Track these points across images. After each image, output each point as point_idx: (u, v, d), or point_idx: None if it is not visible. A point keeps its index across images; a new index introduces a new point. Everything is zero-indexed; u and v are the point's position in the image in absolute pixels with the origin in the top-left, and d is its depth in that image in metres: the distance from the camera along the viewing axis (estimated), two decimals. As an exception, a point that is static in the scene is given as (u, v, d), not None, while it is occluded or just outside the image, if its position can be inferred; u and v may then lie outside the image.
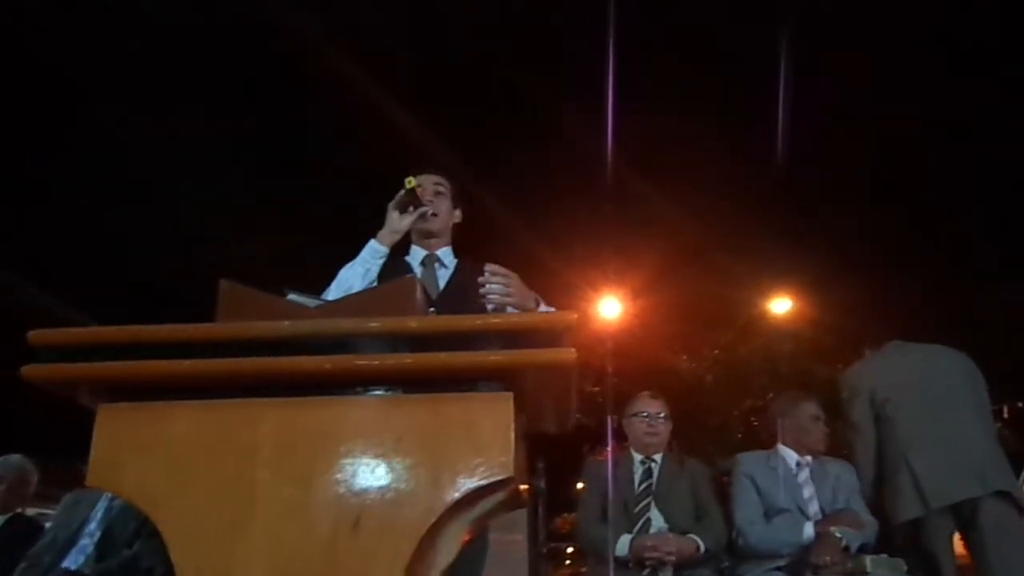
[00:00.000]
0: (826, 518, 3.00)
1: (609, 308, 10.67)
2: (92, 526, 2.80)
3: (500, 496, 1.04)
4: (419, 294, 1.17)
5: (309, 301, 1.19)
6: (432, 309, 1.68)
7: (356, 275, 2.18)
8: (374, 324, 1.01)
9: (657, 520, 3.05)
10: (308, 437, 0.99)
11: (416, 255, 2.41)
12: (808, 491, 3.11)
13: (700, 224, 11.47)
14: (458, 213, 2.50)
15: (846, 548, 2.88)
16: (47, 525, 3.25)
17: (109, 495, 2.76)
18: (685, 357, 11.27)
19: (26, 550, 2.91)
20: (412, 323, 1.03)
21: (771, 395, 4.60)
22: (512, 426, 0.99)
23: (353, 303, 1.24)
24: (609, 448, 3.47)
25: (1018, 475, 3.58)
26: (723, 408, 11.04)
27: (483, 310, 2.02)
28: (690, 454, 3.82)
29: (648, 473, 3.19)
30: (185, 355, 1.00)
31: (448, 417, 1.00)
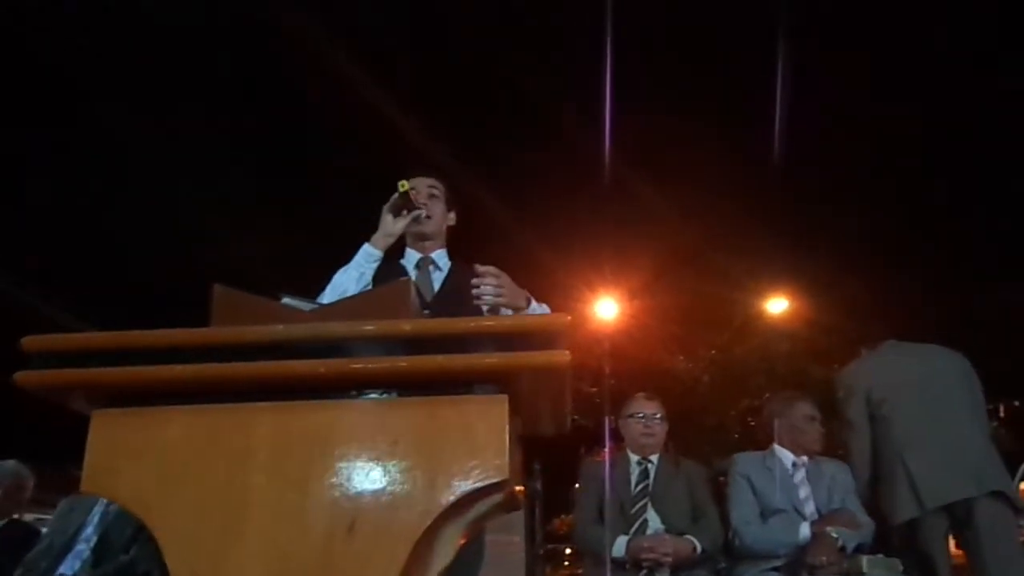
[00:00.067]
0: (822, 518, 3.01)
1: (606, 309, 10.68)
2: (88, 531, 2.79)
3: (496, 498, 1.04)
4: (413, 297, 1.17)
5: (303, 305, 1.19)
6: (426, 312, 1.68)
7: (350, 279, 2.18)
8: (368, 327, 1.01)
9: (654, 521, 3.05)
10: (303, 441, 0.99)
11: (411, 258, 2.41)
12: (804, 491, 3.11)
13: (697, 225, 11.49)
14: (452, 215, 2.50)
15: (842, 548, 2.88)
16: (43, 531, 3.24)
17: (105, 500, 2.76)
18: (682, 357, 11.29)
19: (22, 556, 2.90)
20: (406, 326, 1.03)
21: (767, 395, 4.61)
22: (507, 428, 0.99)
23: (347, 306, 1.24)
24: (606, 449, 3.46)
25: (1013, 475, 3.58)
26: (720, 408, 11.07)
27: (478, 312, 2.02)
28: (687, 454, 3.82)
29: (644, 474, 3.19)
30: (179, 360, 0.99)
31: (443, 420, 0.99)
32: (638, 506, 3.09)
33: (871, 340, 3.60)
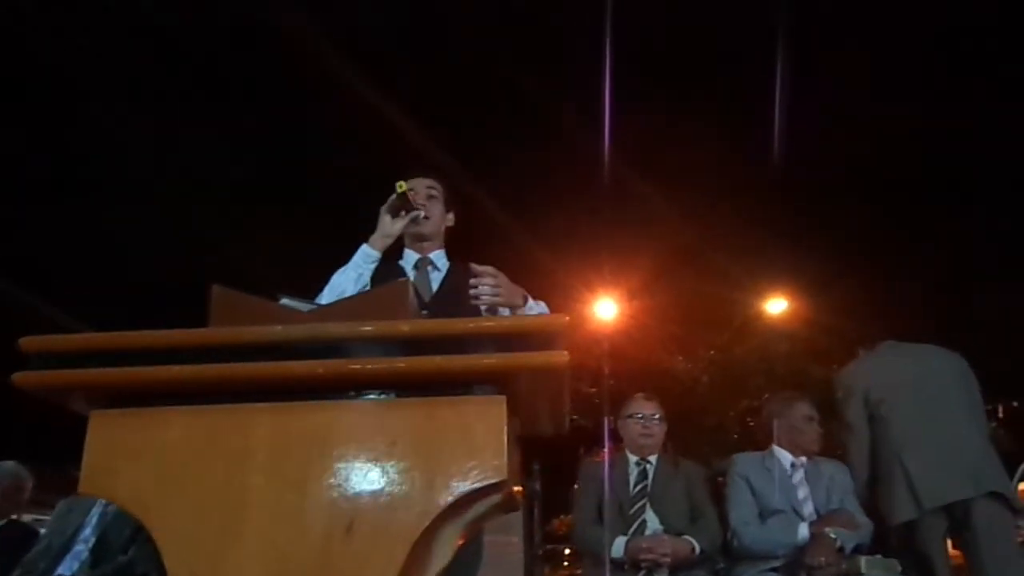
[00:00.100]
0: (821, 519, 3.01)
1: (605, 309, 10.68)
2: (87, 532, 2.78)
3: (494, 499, 1.04)
4: (411, 297, 1.17)
5: (302, 305, 1.19)
6: (425, 312, 1.68)
7: (348, 280, 2.18)
8: (367, 328, 1.02)
9: (652, 521, 3.05)
10: (301, 442, 0.99)
11: (409, 259, 2.41)
12: (803, 492, 3.11)
13: (697, 225, 11.48)
14: (451, 216, 2.50)
15: (840, 549, 2.88)
16: (42, 531, 3.24)
17: (103, 501, 2.75)
18: (681, 358, 11.26)
19: (21, 556, 2.90)
20: (405, 327, 1.03)
21: (767, 396, 4.61)
22: (505, 429, 0.99)
23: (346, 307, 1.24)
24: (605, 449, 3.46)
25: (1012, 475, 3.58)
26: (719, 409, 11.03)
27: (476, 312, 2.02)
28: (686, 455, 3.82)
29: (643, 474, 3.19)
30: (177, 361, 1.00)
31: (441, 421, 1.00)
32: (637, 506, 3.09)
33: (869, 341, 3.61)
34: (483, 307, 1.99)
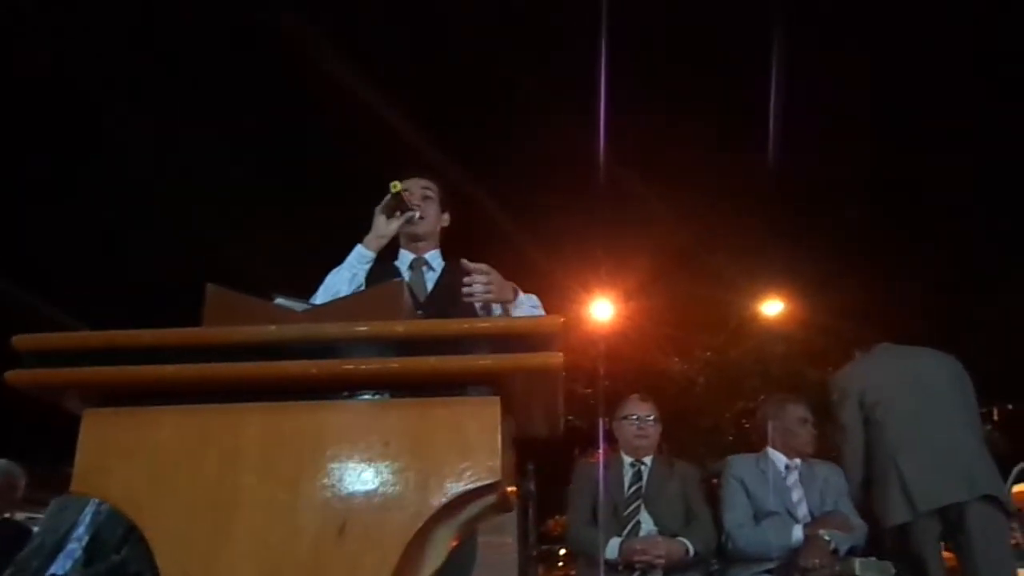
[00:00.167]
0: (815, 521, 3.01)
1: (601, 310, 10.68)
2: (80, 531, 2.78)
3: (488, 500, 1.04)
4: (406, 298, 1.17)
5: (296, 305, 1.19)
6: (419, 312, 1.68)
7: (343, 280, 2.18)
8: (361, 328, 1.01)
9: (647, 523, 3.06)
10: (294, 442, 0.99)
11: (404, 259, 2.41)
12: (797, 494, 3.12)
13: (693, 226, 11.48)
14: (446, 216, 2.50)
15: (835, 551, 2.89)
16: (35, 530, 3.23)
17: (97, 500, 2.75)
18: (677, 359, 11.29)
19: (14, 555, 2.89)
20: (399, 327, 1.03)
21: (762, 397, 4.62)
22: (499, 430, 0.99)
23: (340, 307, 1.24)
24: (600, 450, 3.46)
25: (1006, 478, 3.59)
26: (714, 410, 11.06)
27: (471, 312, 2.02)
28: (681, 456, 3.83)
29: (638, 476, 3.20)
30: (171, 360, 0.99)
31: (435, 421, 0.99)
32: (631, 508, 3.10)
33: (865, 343, 3.61)
34: (477, 304, 1.99)
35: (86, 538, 2.77)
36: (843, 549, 2.93)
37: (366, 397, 1.01)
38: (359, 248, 2.23)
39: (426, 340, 1.00)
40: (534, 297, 2.18)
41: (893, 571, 2.92)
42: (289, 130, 12.78)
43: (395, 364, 0.99)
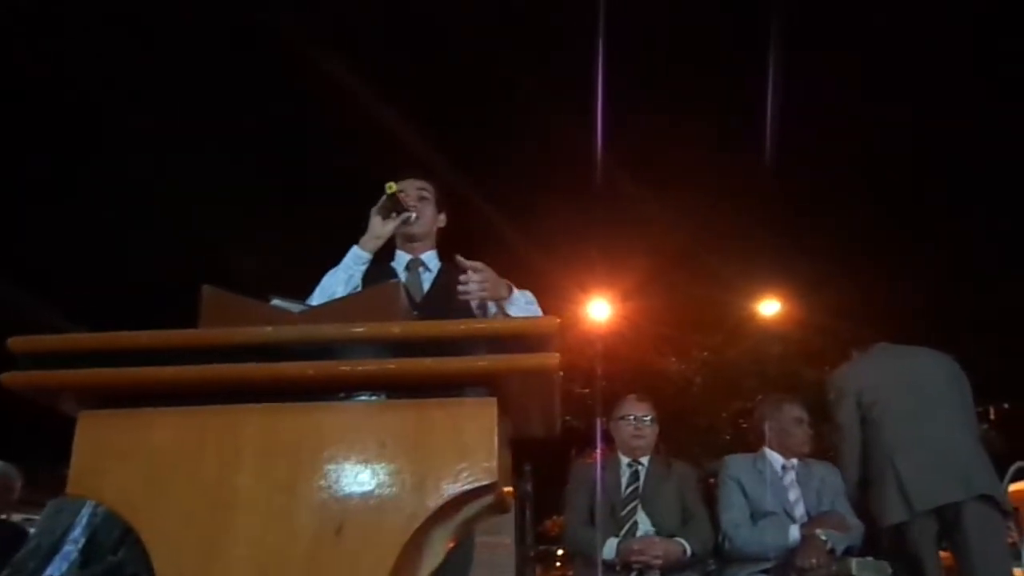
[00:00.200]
0: (812, 521, 3.02)
1: (598, 310, 10.69)
2: (76, 532, 2.77)
3: (484, 501, 1.04)
4: (403, 299, 1.17)
5: (292, 306, 1.19)
6: (416, 313, 1.68)
7: (339, 281, 2.18)
8: (357, 329, 1.01)
9: (644, 523, 3.06)
10: (290, 443, 0.99)
11: (401, 260, 2.41)
12: (794, 494, 3.12)
13: (690, 226, 11.49)
14: (442, 217, 2.50)
15: (831, 551, 2.89)
16: (32, 531, 3.22)
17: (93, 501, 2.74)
18: (674, 359, 11.30)
19: (11, 557, 2.88)
20: (395, 328, 1.03)
21: (759, 397, 4.63)
22: (496, 431, 0.99)
23: (337, 308, 1.23)
24: (598, 451, 3.46)
25: (1002, 478, 3.59)
26: (711, 410, 11.08)
27: (467, 313, 2.02)
28: (678, 456, 3.83)
29: (635, 476, 3.20)
30: (167, 362, 0.99)
31: (432, 422, 0.99)
32: (628, 508, 3.10)
33: (862, 342, 3.62)
34: (474, 303, 2.00)
35: (82, 540, 2.76)
36: (840, 549, 2.93)
37: (363, 398, 1.01)
38: (355, 249, 2.23)
39: (422, 341, 1.00)
40: (528, 293, 2.19)
41: (890, 571, 2.93)
42: (289, 130, 12.77)
43: (392, 365, 0.99)
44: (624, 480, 3.19)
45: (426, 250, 2.43)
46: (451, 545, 1.08)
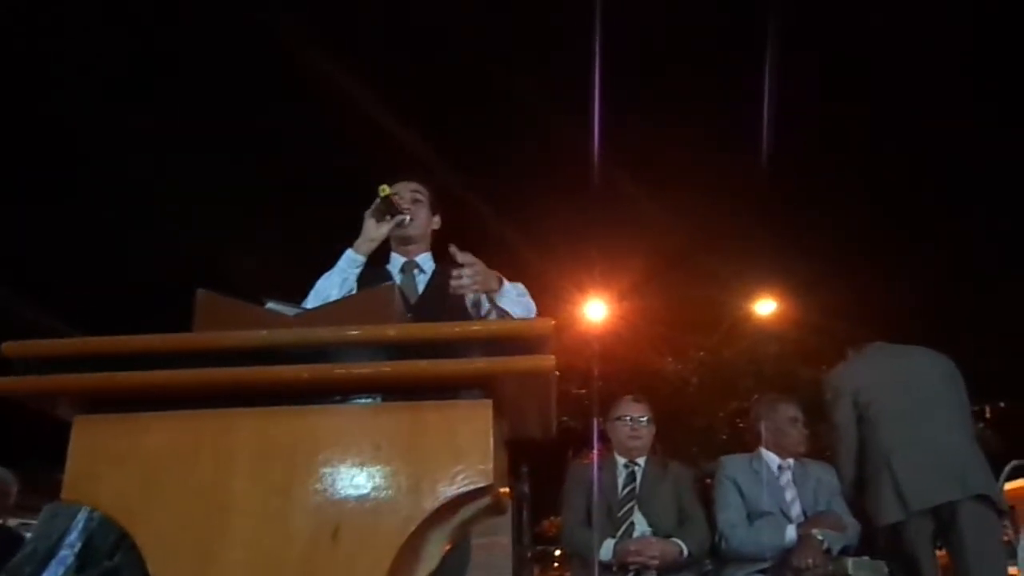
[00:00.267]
0: (808, 521, 3.02)
1: (595, 310, 10.70)
2: (72, 537, 2.76)
3: (480, 503, 1.04)
4: (398, 301, 1.17)
5: (287, 309, 1.18)
6: (410, 316, 1.68)
7: (333, 284, 2.17)
8: (352, 332, 1.01)
9: (640, 524, 3.05)
10: (286, 446, 0.99)
11: (395, 262, 2.41)
12: (790, 494, 3.12)
13: (686, 227, 11.52)
14: (437, 219, 2.50)
15: (828, 550, 2.90)
16: (27, 536, 3.21)
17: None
18: (671, 359, 11.31)
19: (6, 562, 2.88)
20: (391, 331, 1.03)
21: (755, 397, 4.63)
22: (491, 433, 0.99)
23: (331, 311, 1.23)
24: (594, 452, 3.46)
25: (998, 477, 3.60)
26: (708, 410, 11.09)
27: (462, 315, 2.02)
28: (675, 456, 3.83)
29: (631, 477, 3.20)
30: (161, 366, 0.99)
31: (427, 425, 0.99)
32: (625, 509, 3.09)
33: (858, 342, 3.62)
34: (468, 299, 1.99)
35: (78, 544, 2.75)
36: (836, 549, 2.93)
37: (358, 401, 1.01)
38: (349, 252, 2.23)
39: (417, 343, 1.00)
40: (520, 285, 2.18)
41: (886, 570, 2.93)
42: (288, 131, 12.77)
43: (387, 368, 0.99)
44: (621, 481, 3.19)
45: (421, 252, 2.42)
46: (447, 547, 1.08)
